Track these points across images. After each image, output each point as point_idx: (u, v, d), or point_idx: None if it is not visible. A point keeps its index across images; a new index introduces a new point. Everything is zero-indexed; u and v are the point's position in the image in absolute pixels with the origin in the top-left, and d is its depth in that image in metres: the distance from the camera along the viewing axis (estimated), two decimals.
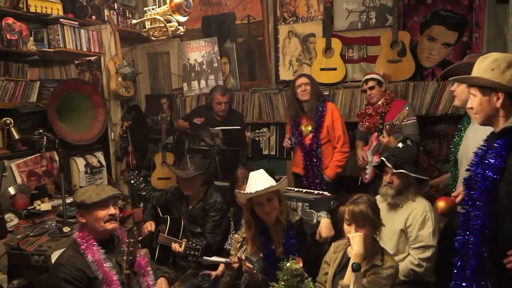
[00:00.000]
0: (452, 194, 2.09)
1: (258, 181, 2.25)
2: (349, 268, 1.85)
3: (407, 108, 3.06)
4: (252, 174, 2.31)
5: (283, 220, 2.24)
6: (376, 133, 3.29)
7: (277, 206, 2.24)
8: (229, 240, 2.83)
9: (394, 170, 2.38)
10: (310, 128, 3.51)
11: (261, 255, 2.27)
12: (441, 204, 2.00)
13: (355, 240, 1.87)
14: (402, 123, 3.13)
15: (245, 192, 2.25)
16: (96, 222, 2.06)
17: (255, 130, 4.30)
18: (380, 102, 3.32)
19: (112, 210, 2.10)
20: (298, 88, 3.50)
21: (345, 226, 1.96)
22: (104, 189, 2.12)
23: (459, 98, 2.31)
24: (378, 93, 3.34)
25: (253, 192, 2.18)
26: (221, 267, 2.60)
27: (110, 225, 2.10)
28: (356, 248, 1.85)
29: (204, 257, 2.45)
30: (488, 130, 2.18)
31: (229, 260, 2.40)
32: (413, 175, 2.36)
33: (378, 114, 3.32)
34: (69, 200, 3.10)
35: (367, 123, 3.38)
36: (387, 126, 3.11)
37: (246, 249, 2.38)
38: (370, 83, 3.34)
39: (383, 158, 2.51)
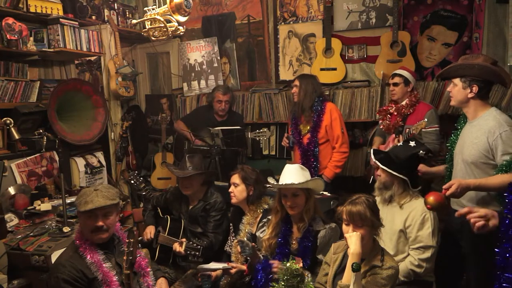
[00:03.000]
0: (443, 187, 2.10)
1: (288, 175, 2.32)
2: (347, 268, 1.85)
3: (425, 119, 2.93)
4: (287, 167, 2.39)
5: (306, 219, 2.28)
6: (393, 135, 3.20)
7: (301, 203, 2.28)
8: (229, 242, 2.83)
9: (373, 160, 2.42)
10: (308, 128, 3.51)
11: (253, 243, 2.32)
12: (430, 199, 2.00)
13: (352, 239, 1.87)
14: (423, 129, 3.02)
15: (271, 183, 2.36)
16: (84, 229, 2.05)
17: (255, 130, 4.29)
18: (404, 103, 3.20)
19: (99, 222, 1.99)
20: (292, 88, 3.57)
21: (344, 226, 1.97)
22: (96, 197, 1.99)
23: (455, 99, 2.32)
24: (401, 91, 3.21)
25: (275, 183, 2.32)
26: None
27: (95, 236, 2.02)
28: (353, 247, 1.85)
29: (200, 266, 2.46)
30: (482, 127, 2.20)
31: (226, 265, 2.42)
32: (382, 167, 2.34)
33: (400, 115, 3.19)
34: (69, 200, 3.11)
35: (387, 122, 3.27)
36: (407, 130, 3.03)
37: (266, 230, 2.45)
38: (396, 79, 3.23)
39: (372, 150, 2.56)
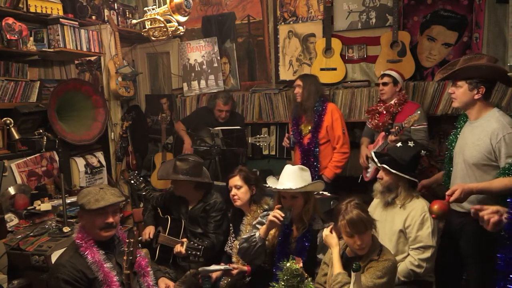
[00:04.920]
0: (446, 193, 2.09)
1: (287, 177, 2.29)
2: (335, 263, 1.94)
3: (418, 112, 2.99)
4: (286, 168, 2.36)
5: (306, 220, 2.27)
6: (383, 133, 3.27)
7: (299, 205, 2.27)
8: (229, 242, 2.82)
9: (378, 164, 2.40)
10: (309, 128, 3.51)
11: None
12: (435, 208, 2.00)
13: (328, 237, 2.02)
14: (412, 127, 3.10)
15: (269, 185, 2.33)
16: (92, 227, 2.05)
17: (255, 135, 4.25)
18: (392, 102, 3.30)
19: (110, 219, 2.04)
20: (294, 89, 3.56)
21: (348, 239, 1.94)
22: (106, 195, 2.04)
23: (460, 101, 2.30)
24: (390, 91, 3.30)
25: (272, 187, 2.30)
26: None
27: (105, 233, 2.05)
28: (334, 241, 1.99)
29: (202, 268, 2.45)
30: (485, 129, 2.20)
31: (228, 267, 2.41)
32: (393, 171, 2.32)
33: (389, 114, 3.28)
34: (69, 200, 3.11)
35: (376, 121, 3.35)
36: (396, 128, 3.06)
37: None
38: (385, 79, 3.32)
39: (372, 152, 2.55)
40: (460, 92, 2.28)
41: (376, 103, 3.50)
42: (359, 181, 3.53)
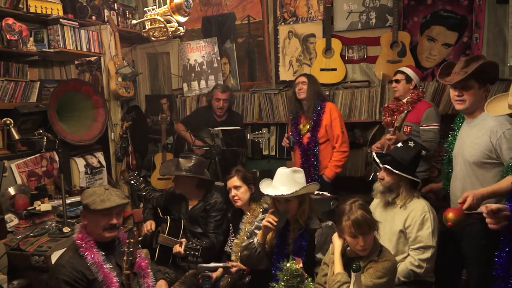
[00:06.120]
0: (458, 201, 2.05)
1: (280, 182, 2.27)
2: (336, 264, 1.94)
3: (405, 112, 2.93)
4: (278, 171, 2.33)
5: (302, 222, 2.25)
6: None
7: (294, 207, 2.25)
8: (229, 242, 2.83)
9: (380, 165, 2.39)
10: (308, 127, 3.51)
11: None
12: (450, 215, 1.87)
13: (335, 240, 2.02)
14: (421, 127, 3.06)
15: (263, 191, 2.30)
16: (95, 228, 2.05)
17: (255, 132, 4.28)
18: (405, 100, 3.20)
19: (114, 220, 2.05)
20: (296, 86, 3.55)
21: (351, 240, 1.93)
22: (111, 196, 2.04)
23: (472, 101, 2.25)
24: (402, 89, 3.20)
25: (264, 193, 2.28)
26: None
27: (108, 234, 2.06)
28: (338, 243, 1.99)
29: (200, 265, 2.45)
30: (483, 127, 2.20)
31: (226, 264, 2.41)
32: (396, 171, 2.31)
33: (399, 112, 3.17)
34: (69, 200, 3.10)
35: (388, 119, 3.26)
36: (406, 128, 3.02)
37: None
38: (398, 76, 3.23)
39: (373, 153, 2.54)
40: (470, 93, 2.24)
41: (391, 101, 3.41)
42: (370, 179, 3.44)
